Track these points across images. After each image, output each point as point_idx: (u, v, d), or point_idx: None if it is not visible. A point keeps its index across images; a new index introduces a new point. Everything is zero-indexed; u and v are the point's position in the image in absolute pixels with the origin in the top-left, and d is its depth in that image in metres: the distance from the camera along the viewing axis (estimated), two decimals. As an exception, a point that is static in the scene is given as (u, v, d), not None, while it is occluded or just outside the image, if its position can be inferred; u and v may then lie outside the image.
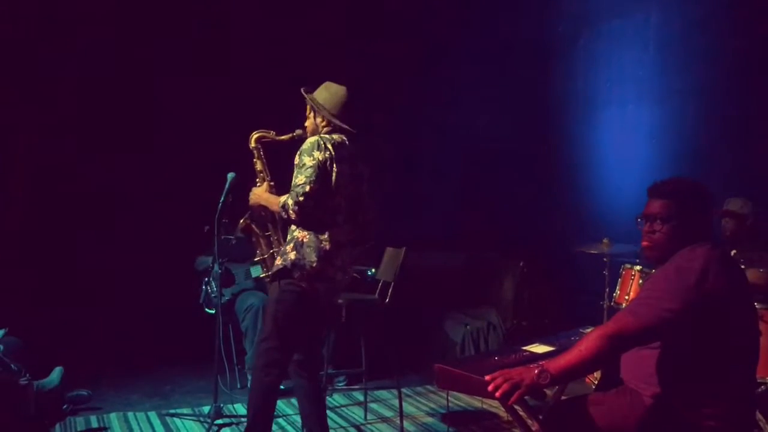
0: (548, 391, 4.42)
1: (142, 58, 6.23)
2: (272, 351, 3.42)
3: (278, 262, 3.44)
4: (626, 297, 4.85)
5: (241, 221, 3.79)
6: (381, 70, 7.10)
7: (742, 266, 3.92)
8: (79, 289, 5.88)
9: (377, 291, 4.72)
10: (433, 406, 5.04)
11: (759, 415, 3.62)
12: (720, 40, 5.49)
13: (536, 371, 2.28)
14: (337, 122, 3.53)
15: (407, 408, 4.86)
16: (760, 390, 3.92)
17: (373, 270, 5.35)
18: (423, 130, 7.38)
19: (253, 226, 3.73)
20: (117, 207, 6.21)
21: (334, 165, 3.37)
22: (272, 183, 3.64)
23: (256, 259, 3.81)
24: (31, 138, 5.99)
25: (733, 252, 4.39)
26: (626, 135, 6.36)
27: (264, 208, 3.57)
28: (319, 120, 3.57)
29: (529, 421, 2.68)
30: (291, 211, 3.29)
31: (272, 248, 3.68)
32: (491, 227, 7.22)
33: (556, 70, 7.08)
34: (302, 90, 3.59)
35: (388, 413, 4.86)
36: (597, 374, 4.54)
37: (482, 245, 6.99)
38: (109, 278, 6.00)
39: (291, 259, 3.37)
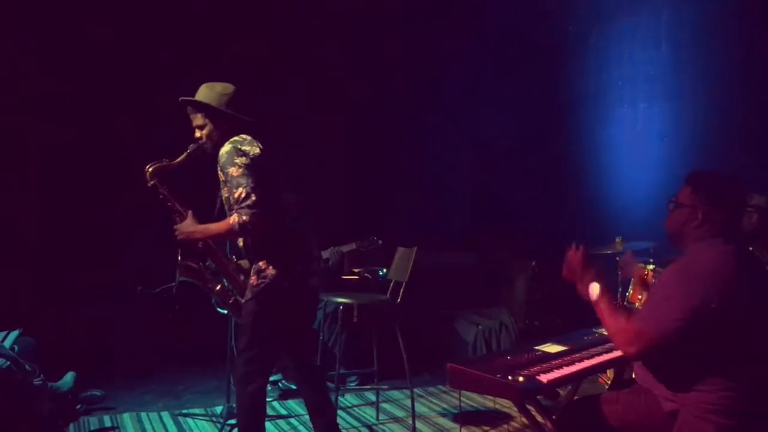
0: (561, 391, 4.41)
1: (145, 51, 6.26)
2: (252, 361, 3.29)
3: (255, 281, 3.25)
4: (639, 297, 4.82)
5: (180, 267, 3.52)
6: (394, 73, 7.11)
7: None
8: (92, 289, 5.89)
9: (389, 291, 4.72)
10: (445, 406, 5.04)
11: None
12: (733, 37, 5.46)
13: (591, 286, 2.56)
14: (241, 116, 3.34)
15: (419, 408, 4.85)
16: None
17: (385, 270, 5.35)
18: (435, 131, 7.37)
19: (192, 264, 3.53)
20: (130, 206, 6.21)
21: (263, 163, 3.20)
22: (192, 212, 3.40)
23: (212, 294, 3.60)
24: (43, 145, 6.03)
25: (750, 249, 4.36)
26: (638, 134, 6.34)
27: (199, 240, 3.37)
28: (219, 123, 3.35)
29: (543, 421, 2.67)
30: (250, 227, 3.07)
31: (219, 276, 3.54)
32: (503, 227, 7.20)
33: (568, 70, 7.06)
34: (182, 99, 3.38)
35: (400, 413, 4.86)
36: (610, 374, 4.53)
37: (494, 245, 6.97)
38: (121, 279, 6.01)
39: (272, 274, 3.21)
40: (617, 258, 5.09)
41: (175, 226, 3.38)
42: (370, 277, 5.72)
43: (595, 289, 2.56)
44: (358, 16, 6.97)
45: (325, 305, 5.22)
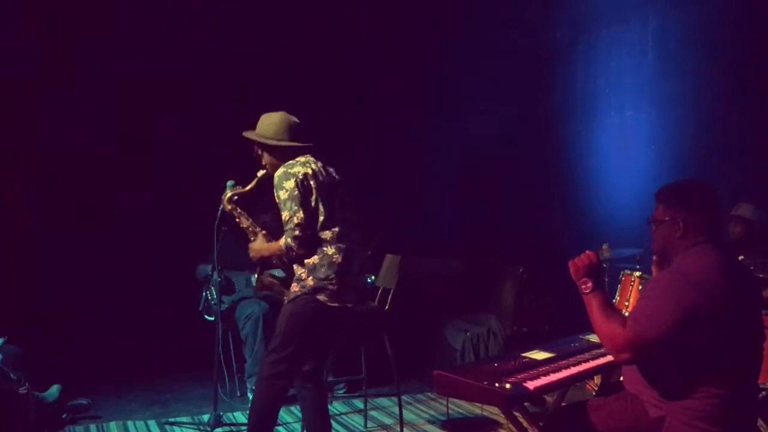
0: (548, 398, 4.42)
1: (142, 67, 6.26)
2: (280, 363, 3.40)
3: (295, 289, 3.41)
4: (626, 303, 4.84)
5: (257, 282, 3.84)
6: (381, 79, 7.12)
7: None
8: (78, 297, 5.86)
9: (377, 298, 4.71)
10: (433, 413, 5.03)
11: (761, 422, 3.61)
12: (719, 44, 5.49)
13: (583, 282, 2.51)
14: (289, 144, 3.52)
15: (407, 415, 4.84)
16: (761, 396, 3.91)
17: (373, 277, 5.35)
18: (423, 136, 7.38)
19: (270, 279, 3.75)
20: (116, 214, 6.20)
21: (310, 183, 3.37)
22: (264, 232, 3.61)
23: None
24: (31, 152, 5.99)
25: (741, 257, 4.39)
26: (625, 141, 6.35)
27: (267, 258, 3.58)
28: (275, 153, 3.54)
29: (530, 428, 2.67)
30: (294, 250, 3.30)
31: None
32: (491, 233, 7.21)
33: (555, 77, 7.09)
34: (243, 134, 3.58)
35: (388, 421, 4.85)
36: (597, 380, 4.54)
37: (482, 251, 6.98)
38: (109, 286, 5.99)
39: (311, 285, 3.36)
40: (604, 265, 5.11)
41: (249, 245, 3.61)
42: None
43: (592, 289, 2.51)
44: (348, 21, 7.00)
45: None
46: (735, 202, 4.95)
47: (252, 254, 3.59)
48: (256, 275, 4.27)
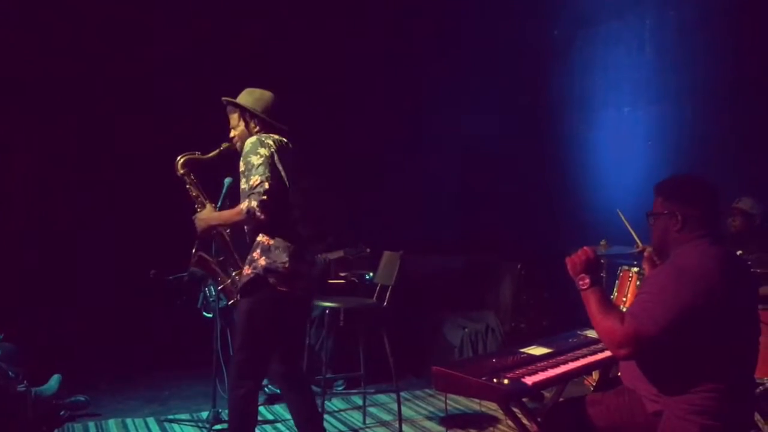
0: (546, 393, 4.42)
1: (140, 57, 6.25)
2: (244, 363, 3.31)
3: (247, 271, 3.29)
4: (624, 299, 4.85)
5: (193, 257, 3.61)
6: (380, 76, 7.11)
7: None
8: (76, 294, 5.86)
9: (375, 295, 4.71)
10: (431, 409, 5.04)
11: (757, 416, 3.63)
12: (716, 40, 5.50)
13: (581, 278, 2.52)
14: (274, 122, 3.44)
15: (406, 412, 4.85)
16: (758, 390, 3.92)
17: (371, 274, 5.35)
18: (421, 133, 7.38)
19: (205, 256, 3.60)
20: (116, 211, 6.19)
21: (280, 159, 3.26)
22: (214, 204, 3.52)
23: (219, 288, 3.65)
24: (29, 144, 5.98)
25: (739, 252, 4.39)
26: (623, 137, 6.37)
27: (215, 227, 3.46)
28: (252, 125, 3.45)
29: (528, 423, 2.68)
30: (258, 213, 3.11)
31: (231, 271, 3.57)
32: (489, 230, 7.21)
33: (553, 73, 7.09)
34: (224, 99, 3.49)
35: (386, 417, 4.85)
36: (595, 375, 4.55)
37: (480, 248, 6.98)
38: (107, 283, 5.99)
39: (263, 265, 3.23)
40: (602, 260, 5.12)
41: (194, 216, 3.48)
42: (357, 280, 5.72)
43: (589, 285, 2.51)
44: (348, 20, 7.00)
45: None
46: (733, 197, 4.95)
47: (198, 224, 3.43)
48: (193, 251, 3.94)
